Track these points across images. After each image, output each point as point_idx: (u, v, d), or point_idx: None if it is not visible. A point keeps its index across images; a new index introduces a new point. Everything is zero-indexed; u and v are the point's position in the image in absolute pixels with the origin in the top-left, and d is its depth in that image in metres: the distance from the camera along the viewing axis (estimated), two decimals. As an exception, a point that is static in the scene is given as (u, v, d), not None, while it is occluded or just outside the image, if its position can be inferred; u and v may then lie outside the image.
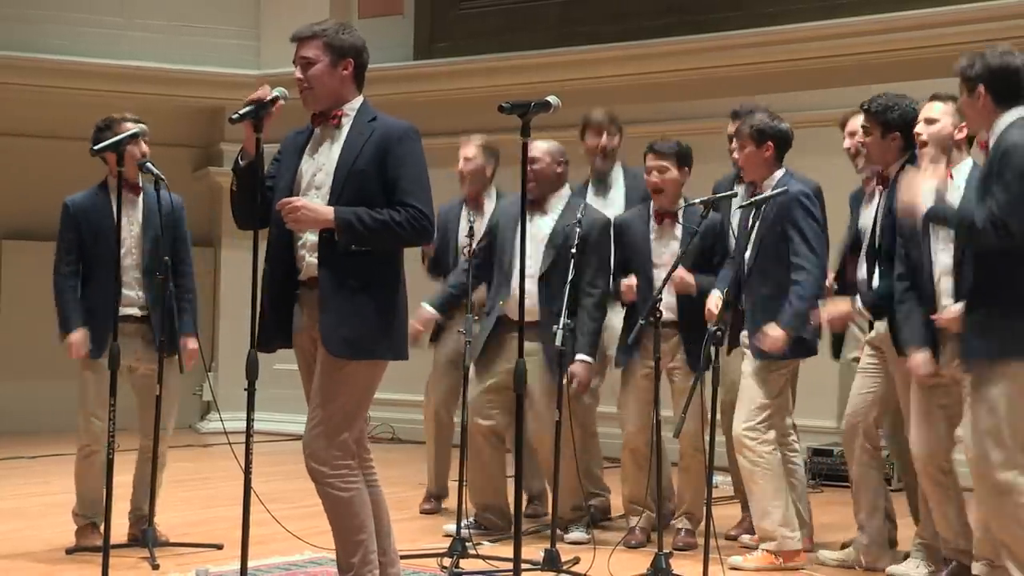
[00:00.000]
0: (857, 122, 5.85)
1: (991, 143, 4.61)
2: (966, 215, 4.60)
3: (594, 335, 6.13)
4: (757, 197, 5.71)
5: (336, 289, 4.30)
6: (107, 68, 10.54)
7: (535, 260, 6.08)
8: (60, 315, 5.89)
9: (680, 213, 6.14)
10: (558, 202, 6.26)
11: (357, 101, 4.46)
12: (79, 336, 5.80)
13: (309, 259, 4.38)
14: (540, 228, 6.15)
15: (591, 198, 6.72)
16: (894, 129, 5.53)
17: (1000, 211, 4.46)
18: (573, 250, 5.91)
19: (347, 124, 4.43)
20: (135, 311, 5.90)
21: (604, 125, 6.79)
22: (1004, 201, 4.46)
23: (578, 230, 5.97)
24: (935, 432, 5.17)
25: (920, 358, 5.10)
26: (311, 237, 4.38)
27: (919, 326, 5.12)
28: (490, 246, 6.29)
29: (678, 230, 6.14)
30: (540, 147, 6.22)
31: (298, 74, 4.43)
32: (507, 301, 6.05)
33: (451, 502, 6.69)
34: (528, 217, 6.15)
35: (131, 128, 5.62)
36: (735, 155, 6.08)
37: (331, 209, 4.27)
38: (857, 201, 5.89)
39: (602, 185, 6.84)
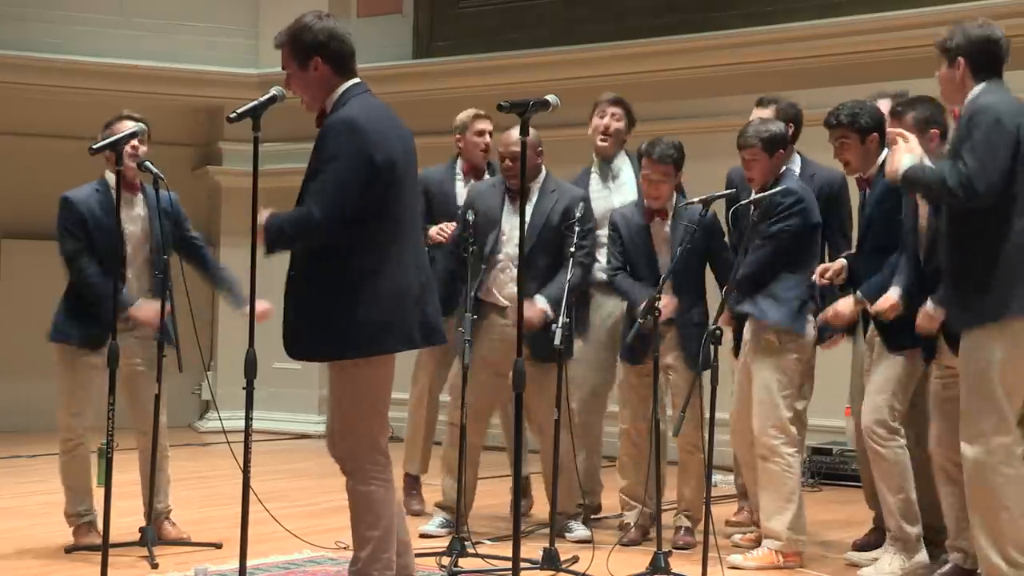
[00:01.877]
0: None
1: (963, 112, 4.68)
2: (939, 173, 4.63)
3: (561, 291, 5.94)
4: (756, 196, 5.73)
5: (291, 292, 4.29)
6: (106, 67, 10.52)
7: (516, 246, 6.04)
8: (121, 302, 5.64)
9: (671, 212, 6.12)
10: (535, 187, 6.23)
11: (338, 92, 4.35)
12: (148, 307, 5.80)
13: None
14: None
15: (597, 186, 6.65)
16: (871, 131, 5.61)
17: (968, 171, 4.53)
18: (572, 249, 5.91)
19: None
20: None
21: (606, 107, 6.70)
22: (971, 161, 4.54)
23: (577, 228, 5.98)
24: (949, 425, 5.12)
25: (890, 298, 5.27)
26: None
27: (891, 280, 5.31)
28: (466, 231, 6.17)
29: (667, 227, 6.14)
30: (517, 136, 6.14)
31: (286, 83, 4.42)
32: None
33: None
34: (509, 203, 6.20)
35: (129, 127, 5.64)
36: None
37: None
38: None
39: (608, 170, 6.72)
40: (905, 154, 4.75)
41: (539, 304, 5.98)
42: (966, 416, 4.71)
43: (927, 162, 4.77)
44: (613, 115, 6.70)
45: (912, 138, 4.85)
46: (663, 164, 6.06)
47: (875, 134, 5.61)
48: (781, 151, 5.87)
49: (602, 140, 6.69)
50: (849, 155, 5.68)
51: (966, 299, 4.70)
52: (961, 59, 4.71)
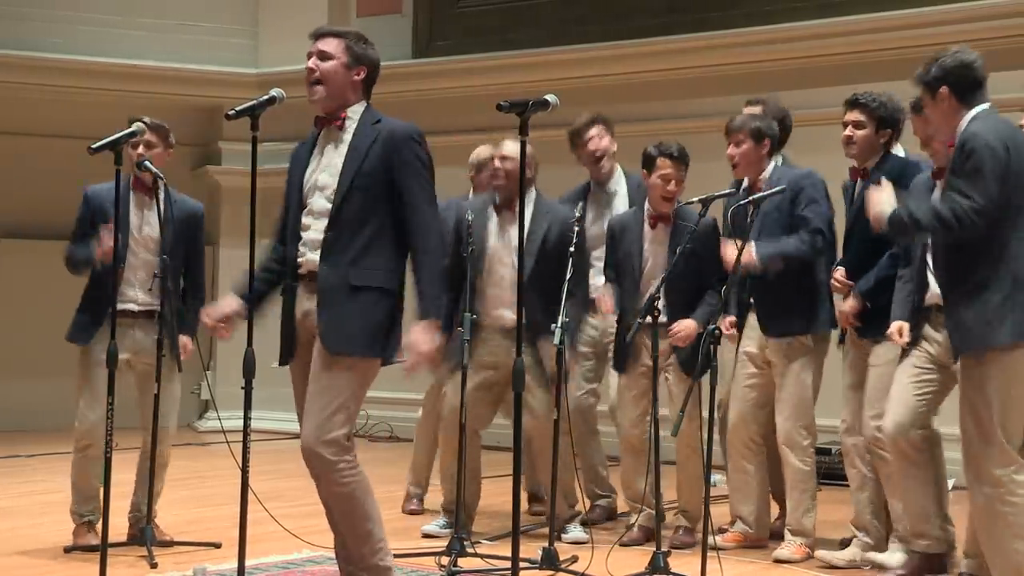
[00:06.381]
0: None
1: (956, 141, 4.61)
2: (929, 208, 4.59)
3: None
4: (755, 196, 5.72)
5: (336, 288, 4.31)
6: (105, 67, 10.53)
7: (515, 265, 6.00)
8: (79, 259, 5.81)
9: (673, 213, 6.11)
10: (528, 204, 6.10)
11: (361, 105, 4.50)
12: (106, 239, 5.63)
13: (310, 255, 4.41)
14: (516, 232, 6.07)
15: (592, 214, 6.59)
16: (887, 126, 5.72)
17: (961, 200, 4.45)
18: (572, 248, 5.90)
19: (351, 127, 4.44)
20: (133, 307, 5.88)
21: (590, 128, 6.60)
22: (964, 190, 4.46)
23: (575, 236, 5.96)
24: (913, 411, 5.23)
25: (896, 326, 5.30)
26: (315, 236, 4.41)
27: (904, 304, 5.34)
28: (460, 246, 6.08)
29: (668, 231, 6.10)
30: (511, 147, 6.06)
31: (311, 64, 4.43)
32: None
33: (430, 502, 6.73)
34: (501, 220, 6.16)
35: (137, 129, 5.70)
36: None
37: (427, 324, 4.24)
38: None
39: (603, 194, 6.66)
40: (884, 200, 4.73)
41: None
42: (967, 452, 4.61)
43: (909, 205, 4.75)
44: (600, 137, 6.63)
45: (887, 185, 4.82)
46: (681, 163, 6.05)
47: (888, 130, 5.70)
48: (767, 141, 5.95)
49: (602, 165, 6.61)
50: (861, 139, 5.71)
51: (963, 324, 4.58)
52: (944, 88, 4.65)
